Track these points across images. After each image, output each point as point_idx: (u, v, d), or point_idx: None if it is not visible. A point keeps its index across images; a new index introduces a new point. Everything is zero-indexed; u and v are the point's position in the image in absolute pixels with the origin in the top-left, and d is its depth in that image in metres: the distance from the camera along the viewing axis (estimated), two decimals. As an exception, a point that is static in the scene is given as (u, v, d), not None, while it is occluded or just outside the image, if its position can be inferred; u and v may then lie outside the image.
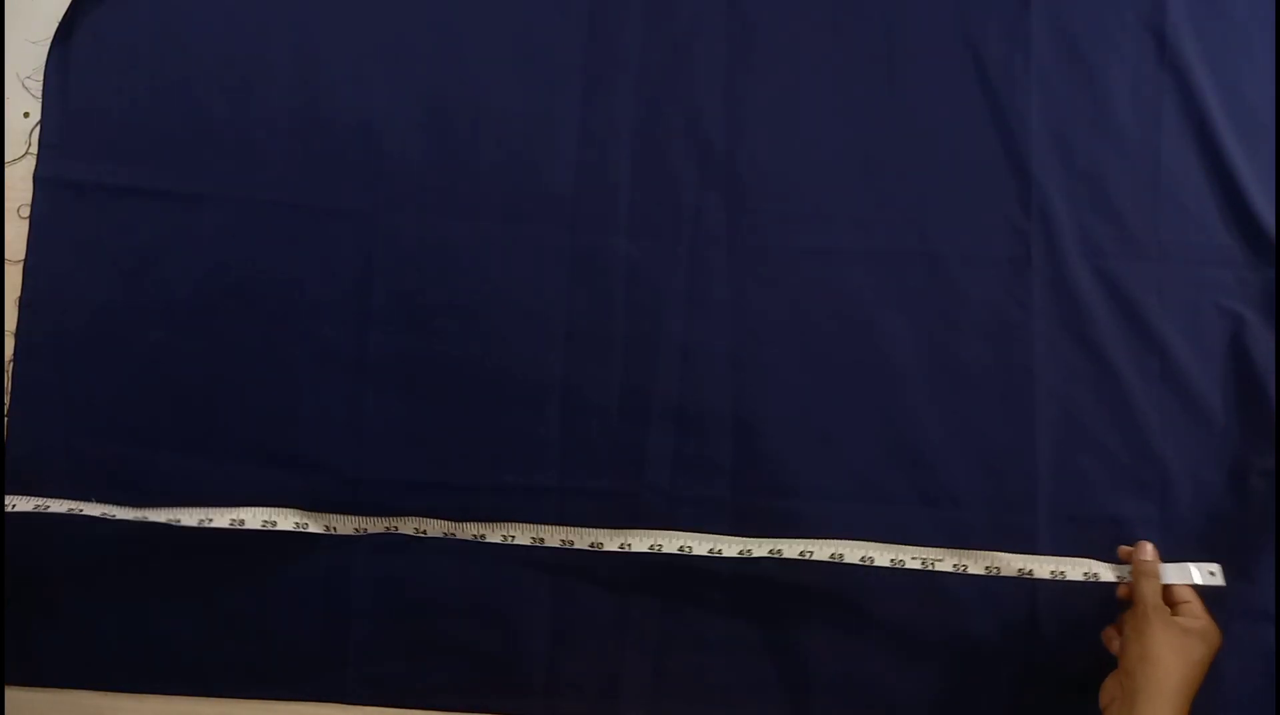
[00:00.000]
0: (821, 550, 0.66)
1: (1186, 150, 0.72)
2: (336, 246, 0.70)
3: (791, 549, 0.66)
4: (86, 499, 0.67)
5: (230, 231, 0.70)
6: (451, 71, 0.72)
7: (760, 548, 0.66)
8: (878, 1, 0.73)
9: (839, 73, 0.72)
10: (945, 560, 0.66)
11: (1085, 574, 0.66)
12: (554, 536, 0.67)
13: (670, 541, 0.67)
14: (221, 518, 0.67)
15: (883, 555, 0.66)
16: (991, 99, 0.72)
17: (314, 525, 0.68)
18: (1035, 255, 0.71)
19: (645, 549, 0.67)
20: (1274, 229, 0.71)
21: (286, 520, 0.67)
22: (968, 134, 0.72)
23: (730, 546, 0.67)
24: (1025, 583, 0.68)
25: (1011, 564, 0.66)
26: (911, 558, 0.66)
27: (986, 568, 0.67)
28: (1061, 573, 0.66)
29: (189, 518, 0.66)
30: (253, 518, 0.67)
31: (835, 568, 0.67)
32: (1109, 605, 0.67)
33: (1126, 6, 0.73)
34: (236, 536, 0.67)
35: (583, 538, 0.67)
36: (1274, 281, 0.71)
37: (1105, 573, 0.66)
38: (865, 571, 0.68)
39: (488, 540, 0.67)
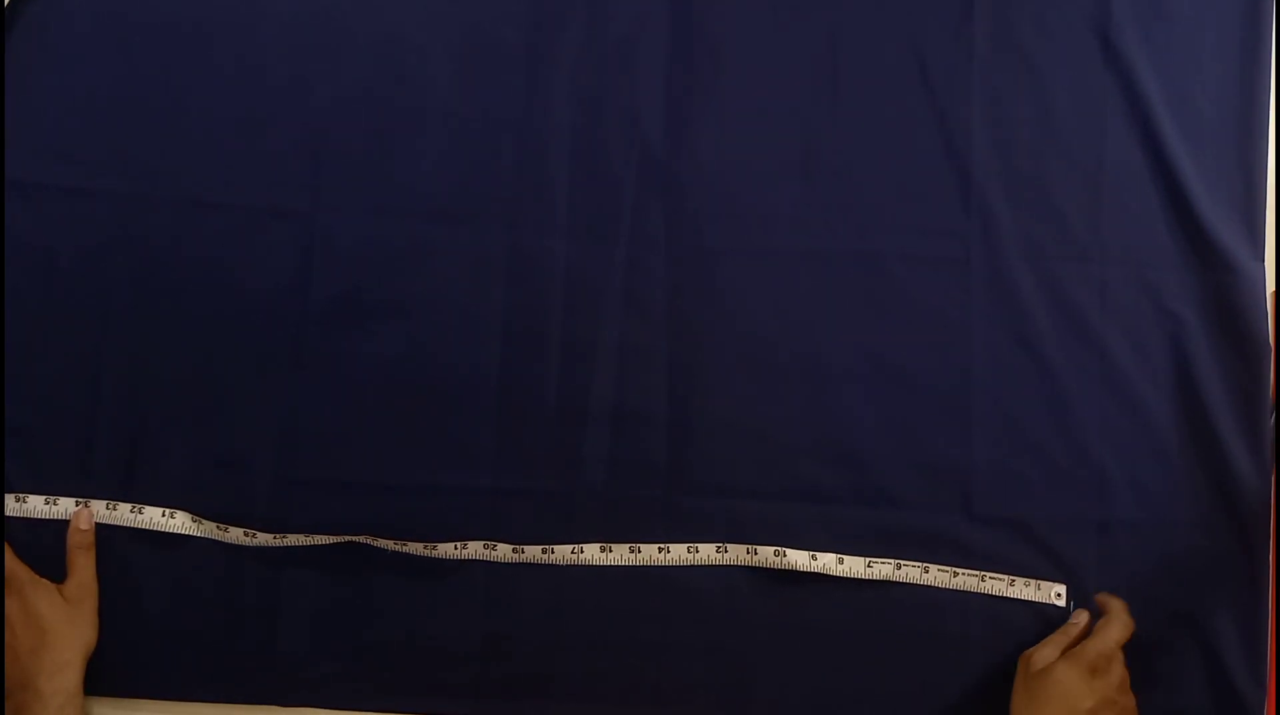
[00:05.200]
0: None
1: (1130, 152, 0.72)
2: (275, 246, 0.70)
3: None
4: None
5: (169, 231, 0.70)
6: (391, 70, 0.71)
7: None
8: (822, 3, 0.72)
9: (781, 73, 0.72)
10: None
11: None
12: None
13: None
14: (144, 516, 0.68)
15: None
16: (933, 100, 0.72)
17: (232, 533, 0.68)
18: (975, 256, 0.71)
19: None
20: (1215, 231, 0.70)
21: (206, 526, 0.68)
22: (909, 134, 0.72)
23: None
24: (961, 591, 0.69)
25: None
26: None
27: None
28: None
29: (114, 514, 0.68)
30: (175, 520, 0.68)
31: (772, 569, 0.69)
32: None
33: (1070, 8, 0.72)
34: (163, 540, 0.68)
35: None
36: (1215, 285, 0.71)
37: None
38: (802, 572, 0.68)
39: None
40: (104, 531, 0.68)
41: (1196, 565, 0.69)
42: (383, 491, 0.69)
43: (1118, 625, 0.65)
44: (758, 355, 0.70)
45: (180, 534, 0.68)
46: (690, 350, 0.70)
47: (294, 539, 0.68)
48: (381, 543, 0.68)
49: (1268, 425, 0.70)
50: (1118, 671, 0.63)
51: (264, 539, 0.68)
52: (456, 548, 0.68)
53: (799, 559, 0.68)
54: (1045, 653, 0.65)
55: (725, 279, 0.71)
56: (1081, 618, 0.67)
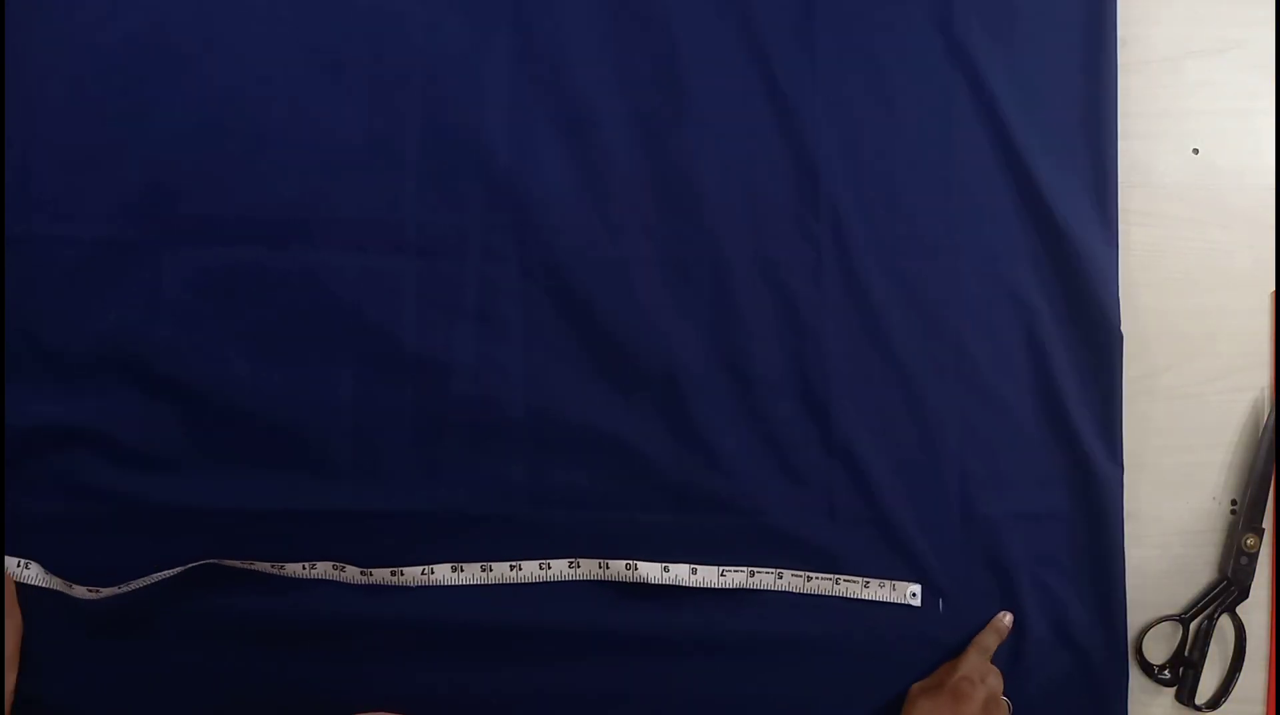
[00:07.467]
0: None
1: (977, 144, 0.72)
2: (119, 280, 0.69)
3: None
4: None
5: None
6: (231, 95, 0.70)
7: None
8: (661, 7, 0.72)
9: (623, 81, 0.72)
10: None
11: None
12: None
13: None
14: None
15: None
16: (779, 103, 0.71)
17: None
18: (826, 258, 0.71)
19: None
20: (1065, 219, 0.70)
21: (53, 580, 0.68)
22: (755, 138, 0.71)
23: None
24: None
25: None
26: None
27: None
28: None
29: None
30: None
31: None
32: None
33: (913, 4, 0.72)
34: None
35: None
36: (1067, 274, 0.71)
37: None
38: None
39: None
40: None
41: (1055, 556, 0.70)
42: (234, 517, 0.68)
43: (975, 649, 0.66)
44: (613, 366, 0.70)
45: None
46: (545, 365, 0.70)
47: (138, 583, 0.67)
48: (229, 562, 0.67)
49: (1119, 412, 0.70)
50: (980, 695, 0.63)
51: (108, 593, 0.67)
52: (305, 567, 0.68)
53: (651, 571, 0.68)
54: (925, 682, 0.66)
55: (577, 291, 0.70)
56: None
